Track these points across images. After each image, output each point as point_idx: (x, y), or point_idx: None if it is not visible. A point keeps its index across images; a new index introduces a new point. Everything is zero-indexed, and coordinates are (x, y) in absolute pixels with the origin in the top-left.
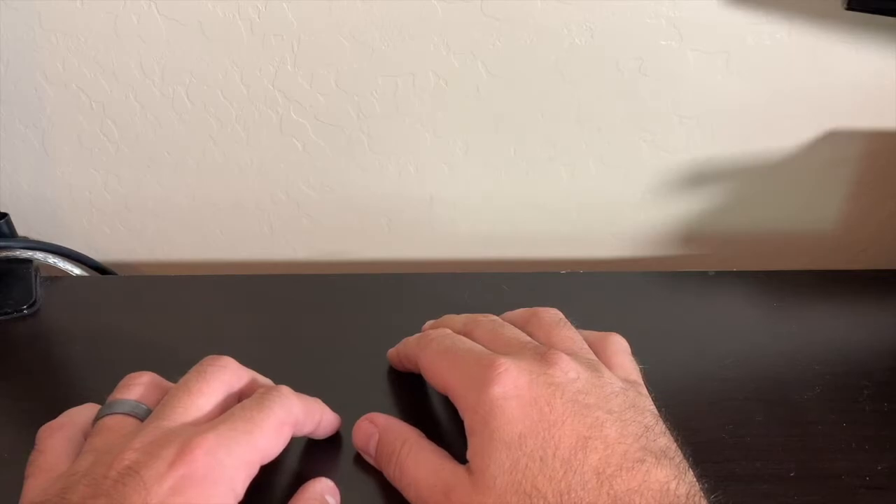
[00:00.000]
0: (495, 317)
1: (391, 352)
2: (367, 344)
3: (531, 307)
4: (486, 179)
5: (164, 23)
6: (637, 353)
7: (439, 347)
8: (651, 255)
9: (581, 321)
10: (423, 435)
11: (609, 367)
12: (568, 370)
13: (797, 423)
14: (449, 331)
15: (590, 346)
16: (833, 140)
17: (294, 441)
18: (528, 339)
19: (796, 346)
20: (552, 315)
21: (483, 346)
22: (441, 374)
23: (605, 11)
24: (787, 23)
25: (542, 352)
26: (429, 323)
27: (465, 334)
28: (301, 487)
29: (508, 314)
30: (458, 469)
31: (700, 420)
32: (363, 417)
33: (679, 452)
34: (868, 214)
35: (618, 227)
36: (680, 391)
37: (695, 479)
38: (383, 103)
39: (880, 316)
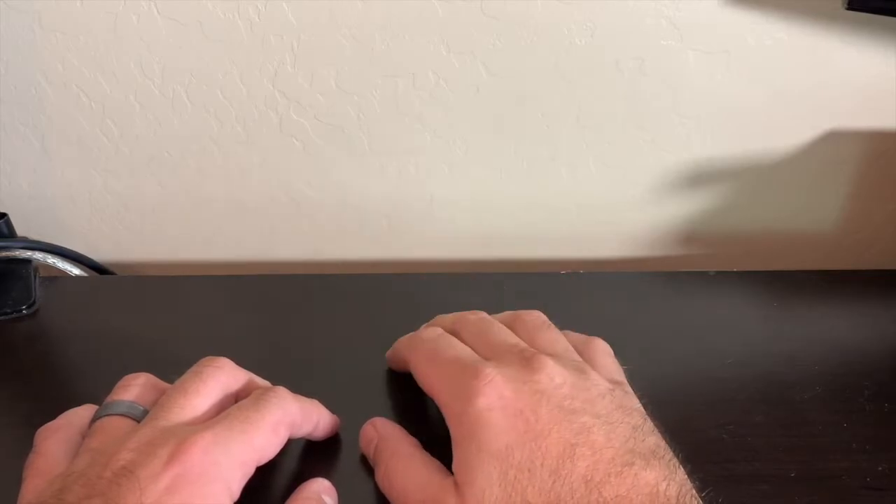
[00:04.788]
0: (484, 314)
1: (388, 353)
2: (367, 344)
3: (516, 310)
4: (486, 179)
5: (164, 23)
6: (637, 353)
7: (427, 351)
8: (651, 255)
9: (581, 321)
10: (418, 445)
11: (593, 368)
12: (553, 376)
13: (797, 423)
14: (439, 330)
15: (574, 348)
16: (833, 140)
17: (292, 441)
18: (515, 339)
19: (796, 346)
20: (535, 318)
21: (470, 347)
22: (428, 379)
23: (605, 11)
24: (787, 23)
25: (527, 357)
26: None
27: (453, 333)
28: (298, 487)
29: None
30: (446, 483)
31: (700, 420)
32: (368, 422)
33: (668, 450)
34: (868, 214)
35: (618, 227)
36: (680, 391)
37: (685, 478)
38: (383, 103)
39: (881, 316)
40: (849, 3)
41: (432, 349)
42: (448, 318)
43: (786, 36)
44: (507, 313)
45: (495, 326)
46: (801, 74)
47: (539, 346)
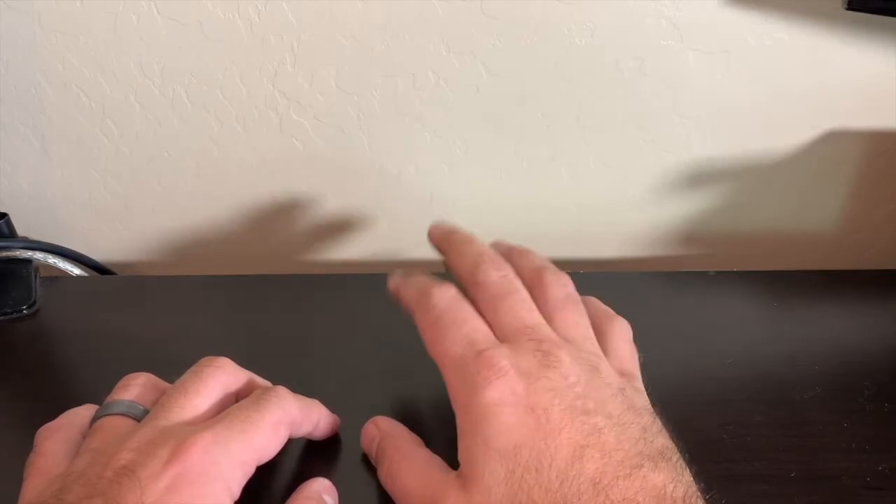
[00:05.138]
0: (508, 269)
1: (392, 282)
2: (367, 344)
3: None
4: (486, 179)
5: (164, 23)
6: (637, 352)
7: (436, 316)
8: (651, 255)
9: None
10: (421, 442)
11: (606, 353)
12: (568, 374)
13: (797, 423)
14: (453, 291)
15: (594, 325)
16: (833, 140)
17: (292, 441)
18: (533, 319)
19: (796, 346)
20: (560, 290)
21: (484, 319)
22: (434, 348)
23: (605, 11)
24: (787, 23)
25: (543, 349)
26: (438, 227)
27: (470, 289)
28: (299, 487)
29: (518, 258)
30: (450, 478)
31: (700, 420)
32: (370, 420)
33: (676, 450)
34: (868, 214)
35: (618, 227)
36: (680, 391)
37: (692, 479)
38: (383, 103)
39: (881, 316)
40: (849, 3)
41: (443, 319)
42: (469, 261)
43: (786, 36)
44: (534, 268)
45: (515, 296)
46: (801, 74)
47: (557, 326)
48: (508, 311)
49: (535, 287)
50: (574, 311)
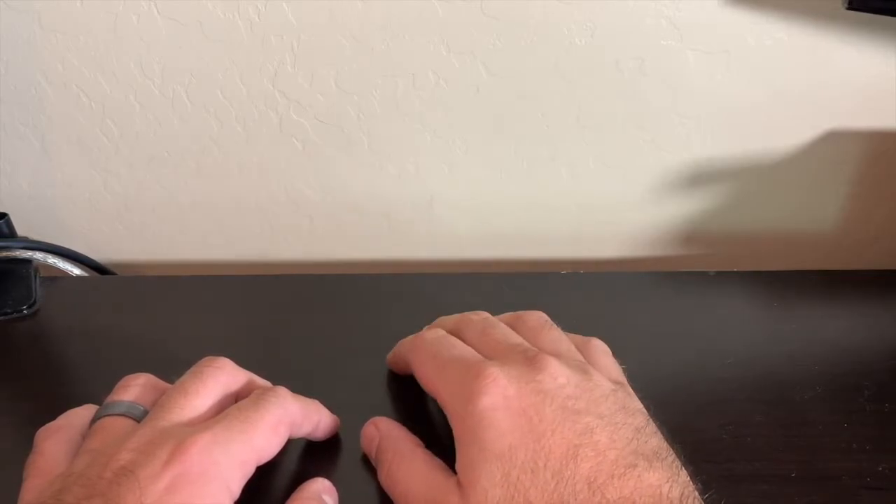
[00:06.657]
0: (487, 315)
1: (389, 356)
2: (367, 344)
3: (517, 311)
4: (486, 179)
5: (164, 23)
6: (637, 352)
7: (429, 351)
8: (651, 255)
9: (582, 321)
10: (420, 444)
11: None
12: (557, 375)
13: (797, 423)
14: (441, 332)
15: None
16: (833, 140)
17: (292, 442)
18: (518, 339)
19: (796, 346)
20: (537, 318)
21: (473, 347)
22: (430, 379)
23: (605, 11)
24: (787, 23)
25: (530, 356)
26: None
27: (456, 333)
28: (299, 487)
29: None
30: (449, 482)
31: (700, 420)
32: (370, 421)
33: (671, 452)
34: (868, 214)
35: (618, 227)
36: (680, 391)
37: (688, 480)
38: (383, 103)
39: (881, 316)
40: (849, 3)
41: (434, 350)
42: (451, 318)
43: (786, 36)
44: (509, 314)
45: (498, 327)
46: (801, 74)
47: (542, 346)
48: (494, 336)
49: (515, 323)
50: (555, 332)
